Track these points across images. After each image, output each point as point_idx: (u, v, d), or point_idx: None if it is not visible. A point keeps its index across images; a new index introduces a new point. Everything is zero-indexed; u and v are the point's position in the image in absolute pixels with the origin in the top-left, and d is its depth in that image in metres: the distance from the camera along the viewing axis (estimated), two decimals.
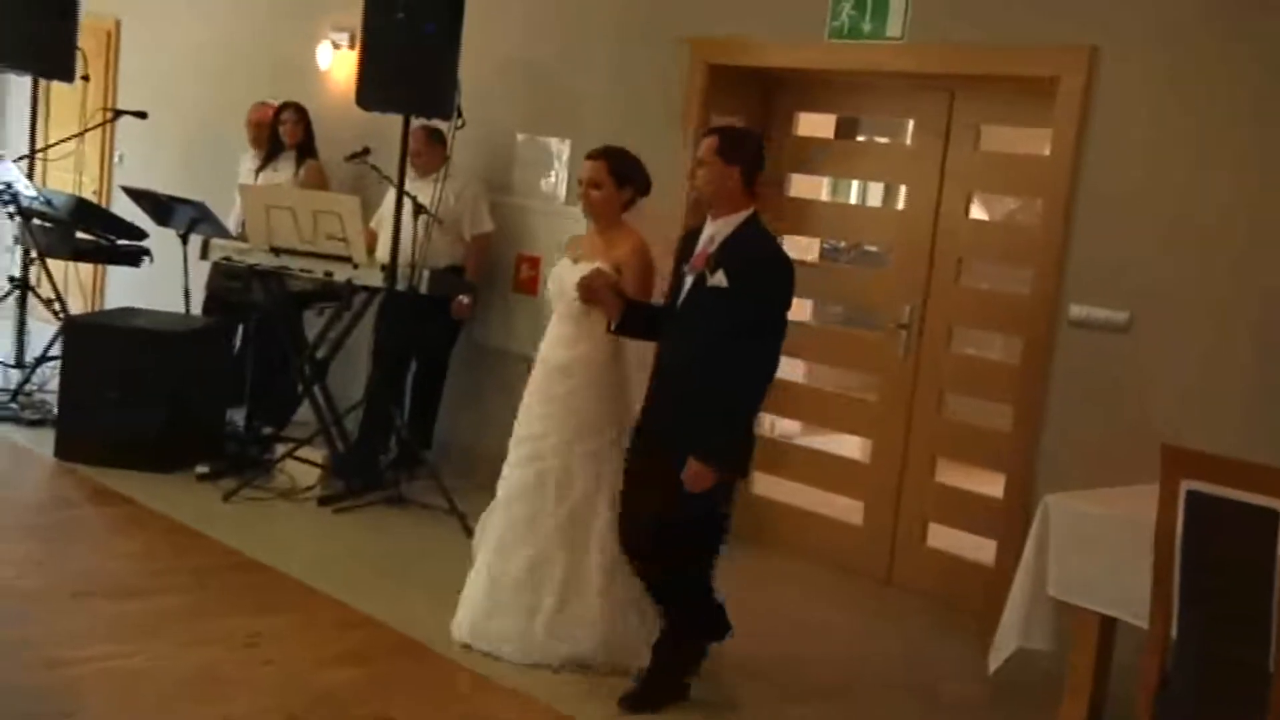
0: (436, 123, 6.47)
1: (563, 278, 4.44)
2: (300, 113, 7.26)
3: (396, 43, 6.03)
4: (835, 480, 6.18)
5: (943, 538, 5.73)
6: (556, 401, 4.41)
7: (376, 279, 6.09)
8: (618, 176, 4.45)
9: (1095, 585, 3.67)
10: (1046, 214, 5.17)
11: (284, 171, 7.20)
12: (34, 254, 7.63)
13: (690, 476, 3.90)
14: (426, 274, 6.10)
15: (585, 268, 4.35)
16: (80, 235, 7.42)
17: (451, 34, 6.03)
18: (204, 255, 6.65)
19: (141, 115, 7.75)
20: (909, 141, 6.15)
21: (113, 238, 7.46)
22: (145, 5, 9.16)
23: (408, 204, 6.16)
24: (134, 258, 7.52)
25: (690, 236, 4.18)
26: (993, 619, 4.03)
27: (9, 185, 7.37)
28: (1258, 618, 3.03)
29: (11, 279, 7.79)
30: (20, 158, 7.82)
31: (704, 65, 6.05)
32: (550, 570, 4.36)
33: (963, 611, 5.36)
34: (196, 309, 7.12)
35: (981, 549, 5.48)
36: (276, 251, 6.18)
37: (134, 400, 6.32)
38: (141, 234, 7.46)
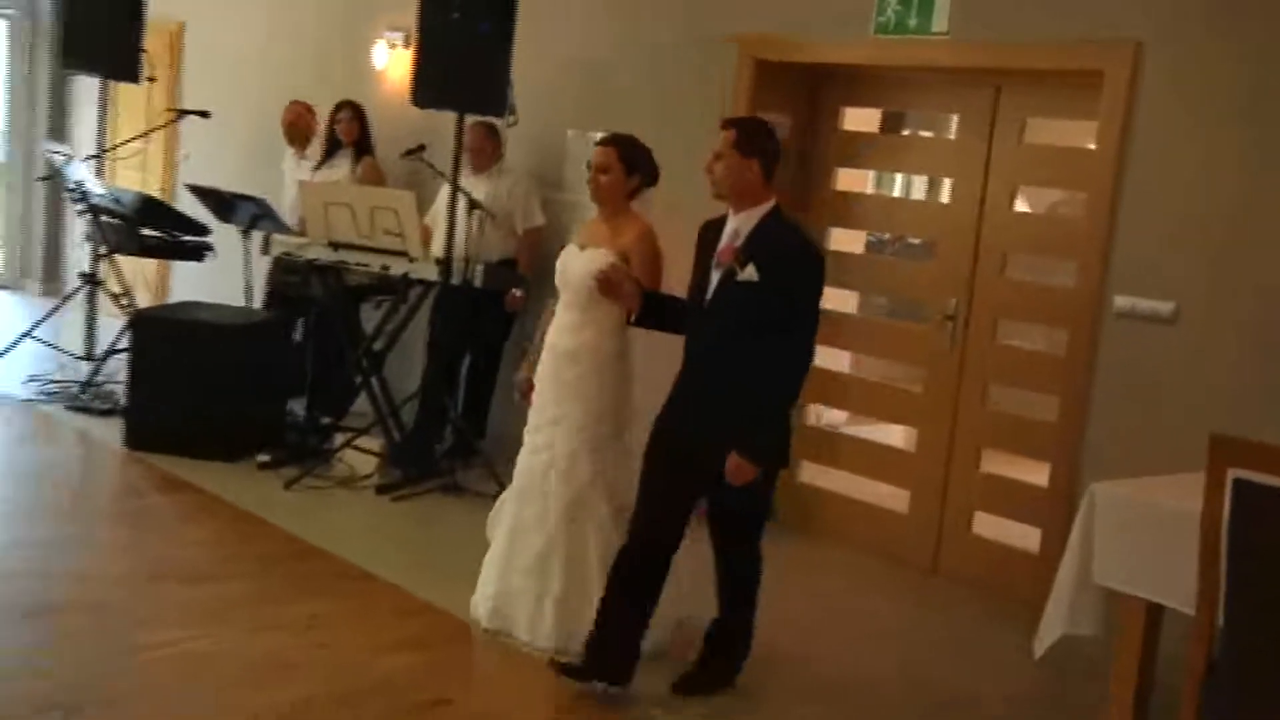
0: (491, 120, 6.50)
1: (568, 264, 4.38)
2: (357, 111, 7.30)
3: (451, 42, 6.07)
4: (881, 469, 6.16)
5: (988, 526, 5.70)
6: (566, 387, 4.36)
7: (432, 273, 6.13)
8: (626, 163, 4.39)
9: (1141, 572, 3.63)
10: (1091, 207, 5.13)
11: (341, 168, 7.25)
12: (103, 250, 7.72)
13: (733, 471, 3.86)
14: (480, 268, 6.13)
15: (591, 254, 4.30)
16: (147, 232, 7.48)
17: (504, 33, 6.05)
18: (265, 250, 6.72)
19: (204, 115, 7.84)
20: (953, 135, 6.11)
21: (177, 234, 7.52)
22: (208, 8, 9.25)
23: (462, 199, 6.20)
24: (198, 253, 7.58)
25: (708, 230, 4.07)
26: (1038, 606, 4.00)
27: (79, 184, 7.47)
28: None
29: (82, 274, 7.90)
30: (90, 157, 7.94)
31: (751, 61, 6.04)
32: (556, 557, 4.34)
33: (1008, 599, 5.33)
34: (258, 303, 7.20)
35: (1027, 537, 5.45)
36: (335, 246, 6.23)
37: (198, 391, 6.39)
38: (205, 230, 7.52)
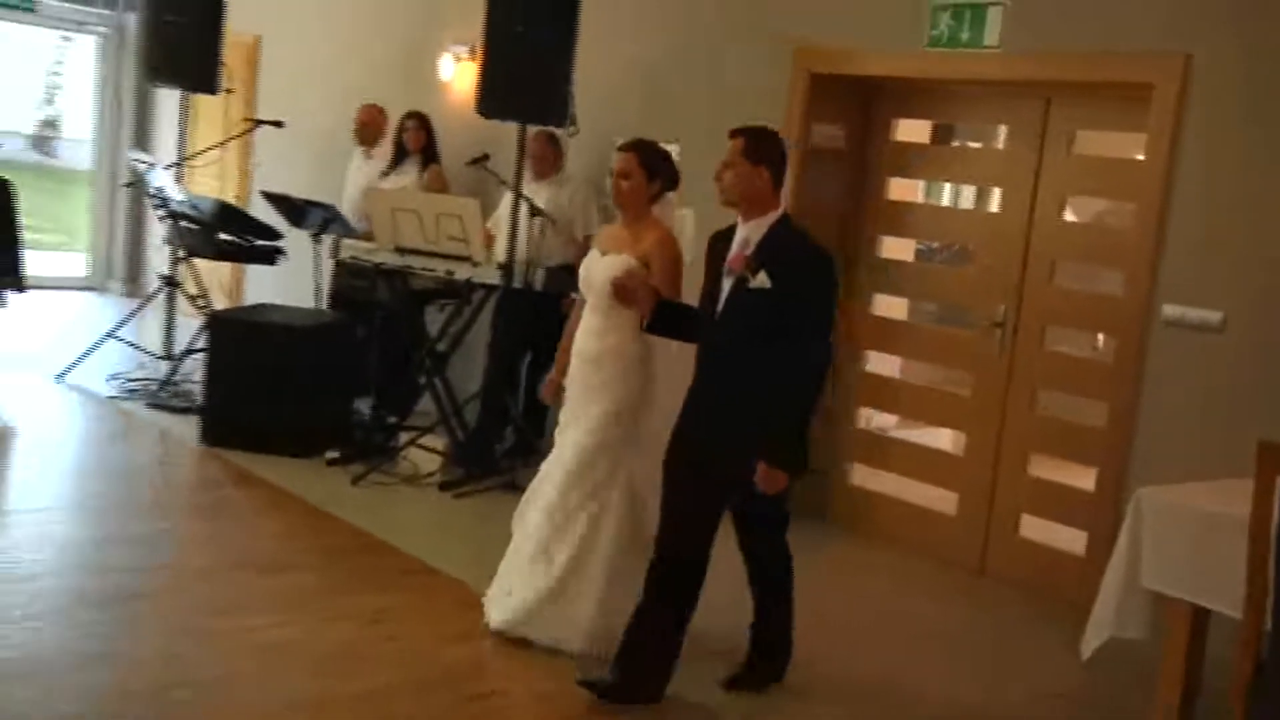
0: (552, 129, 6.53)
1: (591, 269, 4.32)
2: (423, 120, 7.35)
3: (515, 54, 6.10)
4: (930, 472, 6.12)
5: (1035, 529, 5.64)
6: (591, 391, 4.29)
7: (494, 277, 6.16)
8: (647, 169, 4.29)
9: (1188, 576, 3.59)
10: (1140, 217, 5.06)
11: (408, 176, 7.30)
12: (181, 254, 7.82)
13: (764, 481, 3.77)
14: (541, 272, 6.16)
15: (613, 259, 4.24)
16: (222, 236, 7.55)
17: (566, 45, 6.08)
18: (334, 254, 6.78)
19: (278, 124, 7.94)
20: (1001, 146, 6.06)
21: (251, 238, 7.58)
22: (283, 23, 9.36)
23: (523, 206, 6.23)
24: (270, 257, 7.64)
25: (718, 240, 3.99)
26: (1084, 609, 3.96)
27: (160, 190, 7.57)
28: None
29: (161, 277, 8.01)
30: (170, 165, 8.04)
31: (806, 73, 6.02)
32: (559, 552, 4.26)
33: (1055, 601, 5.27)
34: (326, 305, 7.27)
35: (1073, 540, 5.39)
36: (401, 251, 6.28)
37: (270, 390, 6.46)
38: (277, 235, 7.59)
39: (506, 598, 4.35)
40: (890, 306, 6.36)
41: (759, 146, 3.88)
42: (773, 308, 3.77)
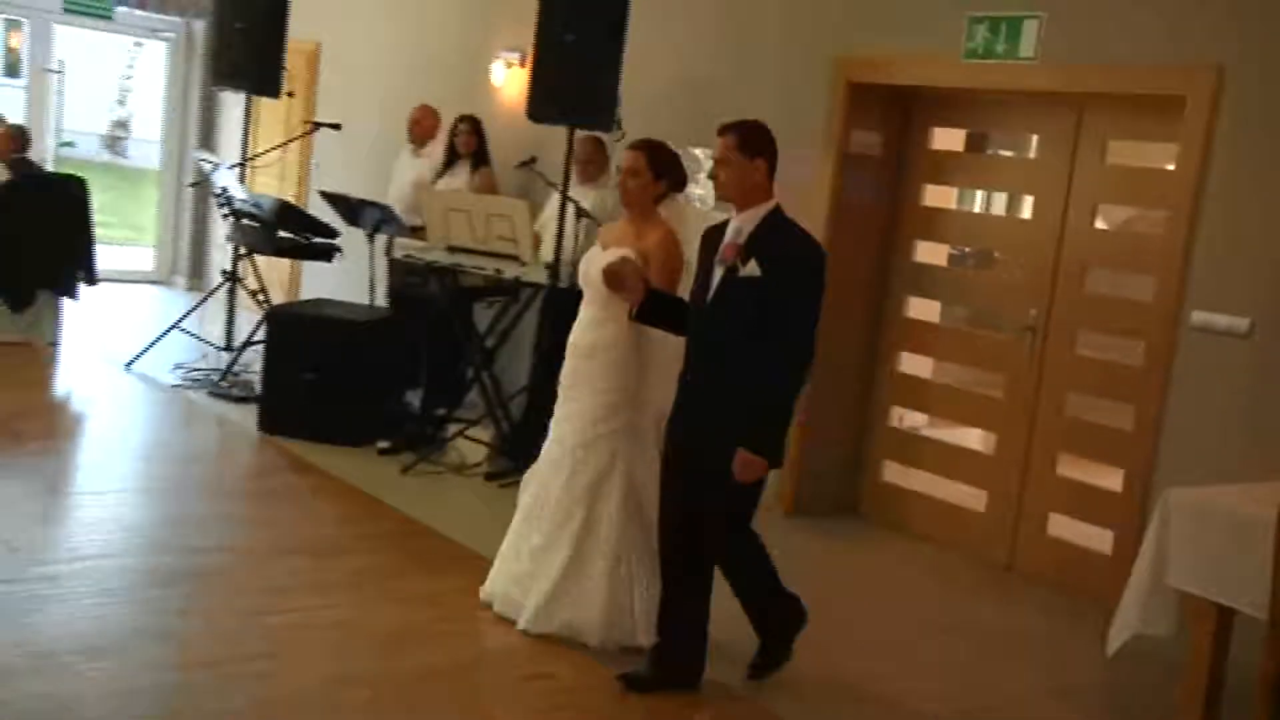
0: (599, 134, 6.54)
1: (590, 264, 4.24)
2: (475, 124, 7.36)
3: (564, 61, 6.11)
4: (960, 470, 6.08)
5: (1062, 527, 5.60)
6: (583, 382, 4.24)
7: (541, 276, 6.18)
8: (655, 168, 4.22)
9: (1213, 576, 3.56)
10: (1170, 225, 5.01)
11: (460, 178, 7.32)
12: (243, 250, 7.89)
13: (741, 467, 3.70)
14: None
15: (613, 254, 4.15)
16: (282, 234, 7.60)
17: (614, 52, 6.08)
18: (389, 253, 6.83)
19: (336, 127, 8.00)
20: (1033, 155, 6.02)
21: (309, 236, 7.63)
22: (342, 29, 9.42)
23: (570, 208, 6.24)
24: (327, 254, 7.67)
25: (713, 233, 3.91)
26: (1111, 606, 3.93)
27: (224, 189, 7.65)
28: None
29: (224, 272, 8.08)
30: (234, 165, 8.12)
31: (845, 82, 6.00)
32: (561, 543, 4.20)
33: (1081, 598, 5.23)
34: (380, 303, 7.30)
35: (1100, 539, 5.34)
36: (452, 250, 6.31)
37: (325, 381, 6.51)
38: (334, 233, 7.62)
39: (524, 600, 4.26)
40: (924, 309, 6.33)
41: (751, 140, 3.81)
42: (761, 297, 3.70)
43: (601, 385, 4.20)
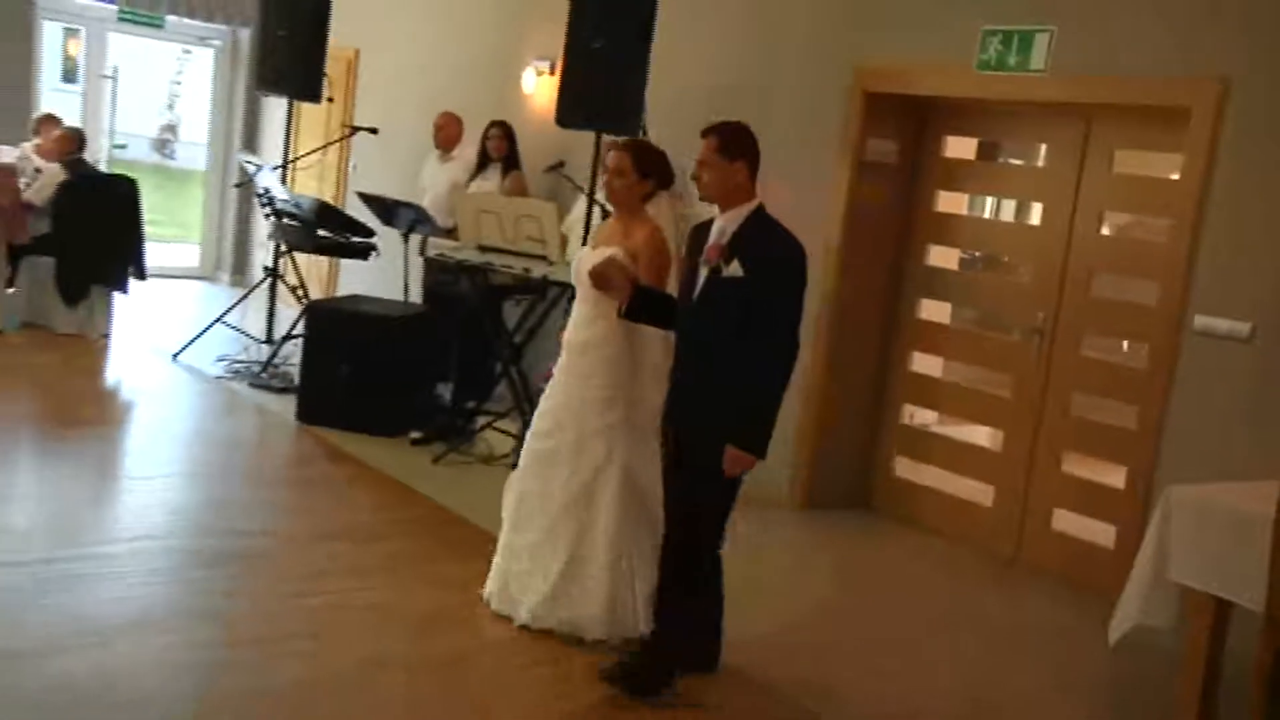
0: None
1: (581, 263, 4.14)
2: (506, 129, 7.38)
3: (592, 69, 6.13)
4: (969, 466, 6.07)
5: (1067, 522, 5.58)
6: (577, 377, 4.13)
7: (568, 275, 6.17)
8: (640, 168, 4.11)
9: (1212, 570, 3.54)
10: (1174, 232, 4.99)
11: (492, 181, 7.34)
12: (283, 248, 7.94)
13: (731, 462, 3.63)
14: None
15: (601, 253, 4.06)
16: (321, 233, 7.64)
17: (640, 62, 6.09)
18: (422, 251, 6.85)
19: (373, 131, 8.04)
20: (1043, 163, 6.00)
21: (347, 235, 7.66)
22: (380, 37, 9.46)
23: (596, 209, 6.25)
24: (364, 252, 7.71)
25: (699, 231, 3.82)
26: (1112, 598, 3.92)
27: (267, 190, 7.69)
28: None
29: (265, 268, 8.14)
30: (276, 166, 8.15)
31: (862, 92, 5.99)
32: (560, 539, 4.10)
33: (1084, 590, 5.21)
34: (415, 299, 7.33)
35: (1103, 534, 5.32)
36: (483, 249, 6.33)
37: (361, 373, 6.54)
38: (370, 232, 7.65)
39: (523, 596, 4.17)
40: (935, 310, 6.32)
41: (733, 142, 3.72)
42: (744, 297, 3.62)
43: (594, 382, 4.11)
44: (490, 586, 4.33)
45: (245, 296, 8.36)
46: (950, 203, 6.30)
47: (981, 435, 6.32)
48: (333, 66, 8.33)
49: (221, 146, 11.30)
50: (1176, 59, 4.88)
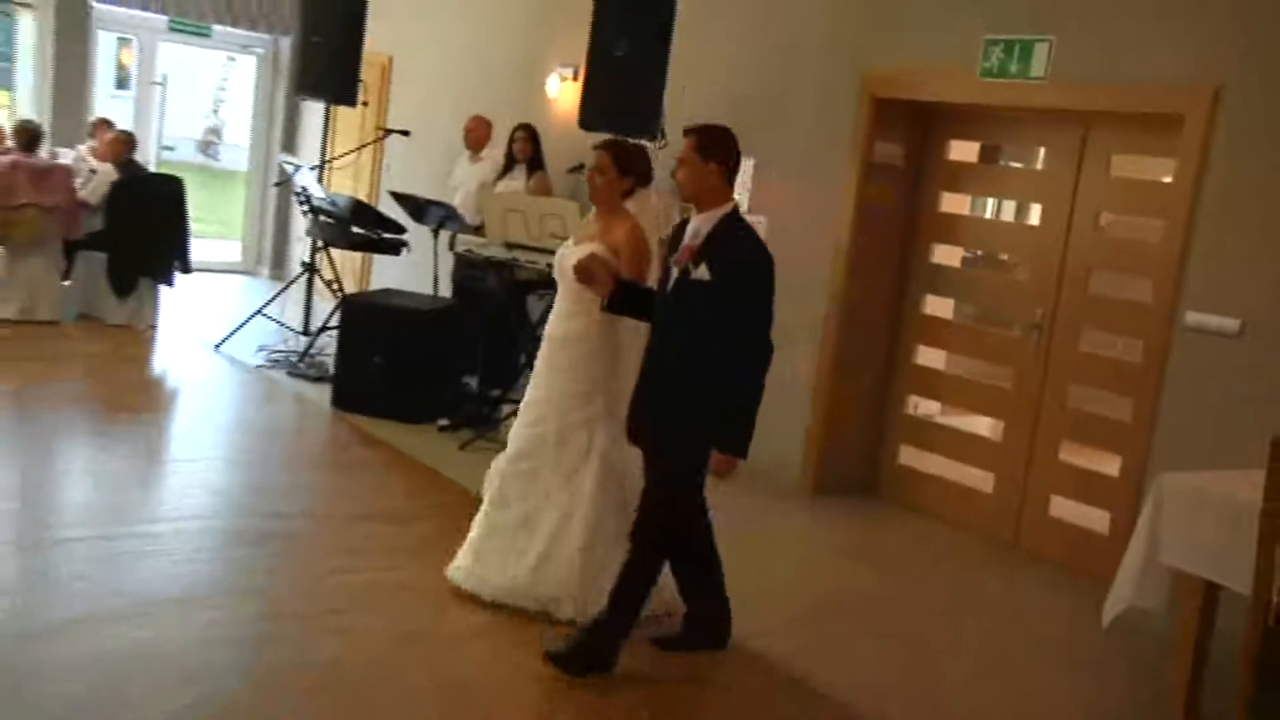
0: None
1: (564, 258, 4.08)
2: (531, 132, 7.39)
3: (613, 74, 6.13)
4: (970, 455, 6.06)
5: (1064, 509, 5.56)
6: (558, 371, 4.07)
7: None
8: (620, 166, 4.05)
9: (1202, 554, 3.53)
10: (1167, 233, 4.96)
11: (518, 181, 7.35)
12: (320, 244, 7.97)
13: (719, 464, 3.59)
14: None
15: (583, 248, 4.01)
16: (355, 230, 7.65)
17: (659, 68, 6.10)
18: (451, 247, 6.87)
19: (405, 133, 8.06)
20: (1042, 166, 5.97)
21: (380, 232, 7.67)
22: (413, 45, 9.47)
23: None
24: (396, 248, 7.72)
25: (679, 230, 3.75)
26: (1107, 581, 3.91)
27: (304, 189, 7.72)
28: None
29: (303, 263, 8.17)
30: (313, 167, 8.20)
31: (870, 98, 5.97)
32: (540, 524, 4.06)
33: (1080, 574, 5.20)
34: (443, 292, 7.35)
35: (1098, 520, 5.31)
36: (509, 246, 6.34)
37: (392, 363, 6.57)
38: (402, 229, 7.66)
39: (496, 575, 4.11)
40: (939, 306, 6.31)
41: (709, 144, 3.64)
42: (712, 301, 3.54)
43: (574, 375, 4.05)
44: (460, 561, 4.23)
45: (284, 290, 8.39)
46: (953, 204, 6.28)
47: (983, 425, 6.30)
48: (367, 72, 8.35)
49: (262, 148, 11.35)
50: (1170, 68, 4.86)
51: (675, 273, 3.65)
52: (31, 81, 9.86)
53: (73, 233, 7.82)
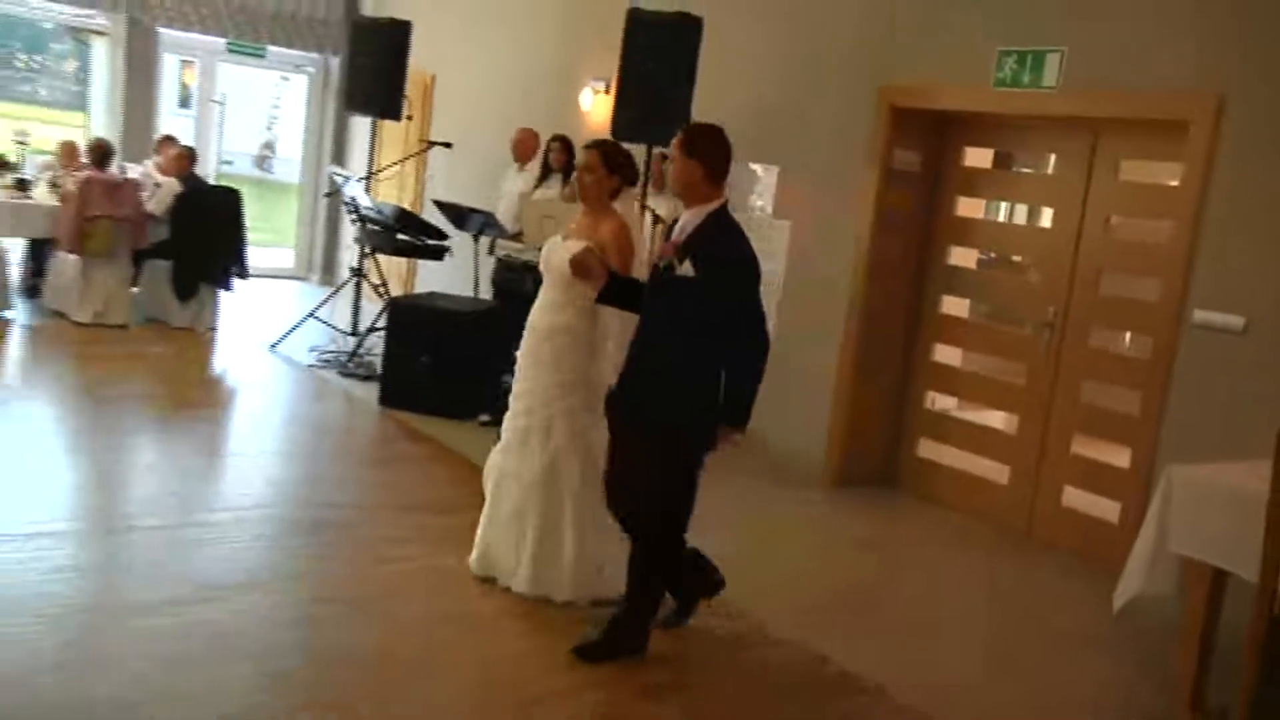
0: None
1: (551, 253, 4.01)
2: (565, 143, 7.39)
3: (644, 87, 6.14)
4: (986, 447, 6.02)
5: (1076, 499, 5.52)
6: (543, 362, 4.00)
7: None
8: (608, 165, 3.98)
9: (1210, 542, 3.49)
10: (1175, 234, 4.91)
11: (553, 189, 7.37)
12: (367, 250, 8.01)
13: (724, 438, 3.51)
14: None
15: (571, 244, 3.93)
16: (401, 236, 7.70)
17: (687, 81, 6.10)
18: (491, 252, 6.89)
19: (447, 145, 8.09)
20: (1053, 172, 5.92)
21: (424, 238, 7.72)
22: (455, 61, 9.52)
23: (647, 214, 6.26)
24: (439, 254, 7.76)
25: (672, 226, 3.66)
26: (1117, 569, 3.87)
27: (353, 198, 7.78)
28: None
29: (351, 269, 8.23)
30: (361, 177, 8.25)
31: (889, 107, 5.95)
32: (531, 513, 4.03)
33: (1091, 561, 5.16)
34: (484, 294, 7.38)
35: (1109, 510, 5.26)
36: None
37: (436, 362, 6.60)
38: (444, 235, 7.71)
39: (502, 564, 4.11)
40: (955, 306, 6.27)
41: (693, 142, 3.53)
42: (695, 298, 3.44)
43: (557, 365, 3.98)
44: (473, 553, 4.24)
45: (334, 294, 8.45)
46: (969, 208, 6.25)
47: (997, 419, 6.27)
48: (412, 89, 8.41)
49: (313, 161, 11.44)
50: (1176, 76, 4.81)
51: (661, 266, 3.56)
52: (104, 102, 10.01)
53: (140, 243, 7.93)
